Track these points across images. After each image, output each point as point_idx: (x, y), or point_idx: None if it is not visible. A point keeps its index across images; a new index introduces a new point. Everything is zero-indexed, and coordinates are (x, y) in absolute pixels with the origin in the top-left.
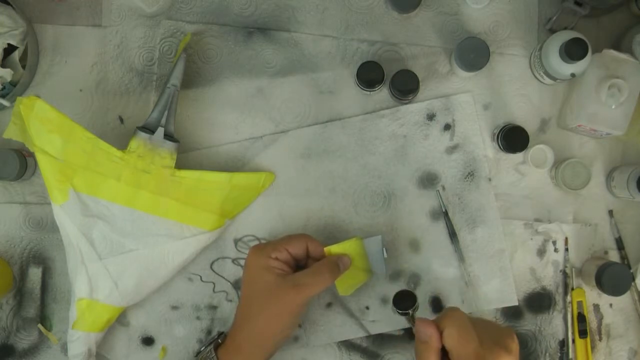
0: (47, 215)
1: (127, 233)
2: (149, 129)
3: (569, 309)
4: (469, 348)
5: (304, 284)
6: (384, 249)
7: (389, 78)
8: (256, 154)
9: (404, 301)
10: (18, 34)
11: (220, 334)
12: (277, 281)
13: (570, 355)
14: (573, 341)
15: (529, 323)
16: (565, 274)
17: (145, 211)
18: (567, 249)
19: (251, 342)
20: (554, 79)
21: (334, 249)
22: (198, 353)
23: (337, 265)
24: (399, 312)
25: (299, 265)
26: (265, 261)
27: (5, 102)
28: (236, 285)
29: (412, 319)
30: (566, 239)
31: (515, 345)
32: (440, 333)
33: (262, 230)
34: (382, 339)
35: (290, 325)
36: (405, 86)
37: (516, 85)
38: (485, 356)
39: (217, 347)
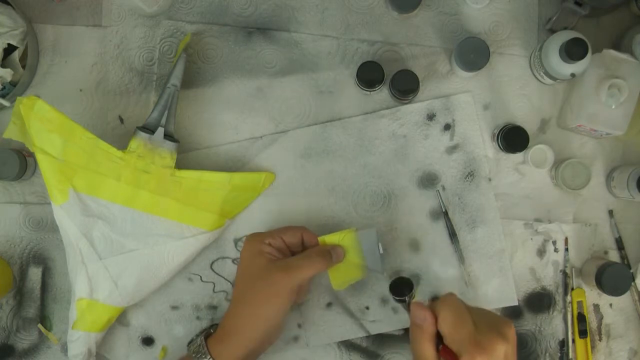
0: (47, 215)
1: (127, 233)
2: (149, 129)
3: (569, 309)
4: (463, 332)
5: (294, 267)
6: (379, 244)
7: (389, 78)
8: (256, 154)
9: (401, 288)
10: (18, 34)
11: (213, 325)
12: (268, 265)
13: (570, 355)
14: (573, 341)
15: (529, 323)
16: (565, 274)
17: (145, 211)
18: (567, 249)
19: (240, 329)
20: (554, 79)
21: (328, 238)
22: (190, 342)
23: (329, 253)
24: (395, 299)
25: (294, 254)
26: (259, 246)
27: (5, 102)
28: None
29: (408, 306)
30: (566, 239)
31: (512, 333)
32: (436, 318)
33: (262, 230)
34: (382, 339)
35: (279, 312)
36: (405, 86)
37: (516, 85)
38: (481, 341)
39: (207, 336)
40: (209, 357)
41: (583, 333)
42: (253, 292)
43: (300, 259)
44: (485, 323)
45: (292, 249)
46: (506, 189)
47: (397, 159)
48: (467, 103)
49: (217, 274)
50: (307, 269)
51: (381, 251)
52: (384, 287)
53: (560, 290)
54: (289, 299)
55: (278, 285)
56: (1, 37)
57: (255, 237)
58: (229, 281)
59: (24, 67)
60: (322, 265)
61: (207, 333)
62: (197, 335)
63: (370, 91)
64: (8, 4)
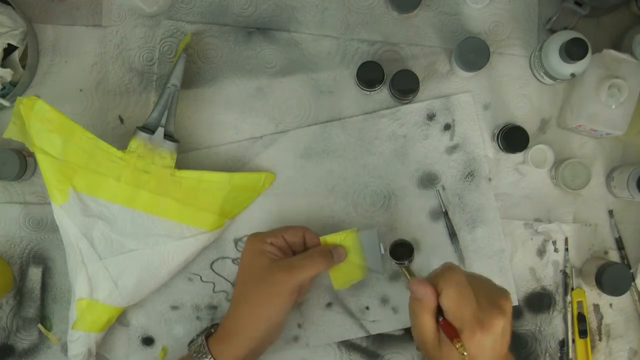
0: (47, 215)
1: (127, 233)
2: (149, 129)
3: (569, 309)
4: (467, 310)
5: (296, 267)
6: (381, 244)
7: (389, 78)
8: (256, 154)
9: (401, 252)
10: (18, 34)
11: (214, 325)
12: (269, 265)
13: (570, 355)
14: (573, 341)
15: (529, 323)
16: (565, 274)
17: (145, 211)
18: (567, 249)
19: (241, 328)
20: (554, 79)
21: (330, 238)
22: (191, 342)
23: (330, 252)
24: (395, 262)
25: (295, 254)
26: (261, 246)
27: (5, 102)
28: None
29: (407, 271)
30: (566, 239)
31: (509, 306)
32: (437, 293)
33: (262, 230)
34: (382, 339)
35: (281, 312)
36: (405, 86)
37: (516, 85)
38: (483, 318)
39: (208, 336)
40: (209, 356)
41: (583, 333)
42: (254, 291)
43: (302, 259)
44: (485, 296)
45: (294, 249)
46: (506, 189)
47: (397, 159)
48: (467, 103)
49: (217, 274)
50: (309, 268)
51: (382, 252)
52: (384, 287)
53: (560, 290)
54: (290, 298)
55: (280, 285)
56: (1, 37)
57: (256, 237)
58: (229, 281)
59: (24, 67)
60: (323, 265)
61: (208, 333)
62: (198, 335)
63: (370, 91)
64: (8, 4)
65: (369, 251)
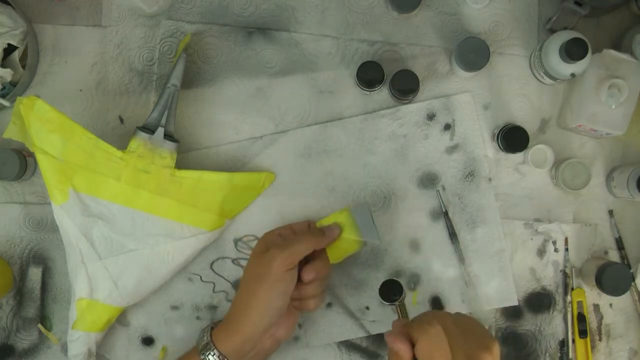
0: (47, 215)
1: (127, 233)
2: (149, 129)
3: (569, 309)
4: None
5: (287, 245)
6: (372, 215)
7: (389, 78)
8: (256, 154)
9: (391, 291)
10: (18, 34)
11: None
12: (267, 248)
13: (570, 355)
14: (573, 341)
15: (529, 323)
16: (565, 274)
17: (145, 211)
18: (567, 249)
19: (238, 314)
20: (554, 79)
21: (325, 221)
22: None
23: (322, 231)
24: (384, 303)
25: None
26: (268, 236)
27: (5, 102)
28: (236, 285)
29: (398, 308)
30: (566, 239)
31: (496, 348)
32: (412, 344)
33: (262, 230)
34: (382, 339)
35: (276, 293)
36: (405, 86)
37: (516, 85)
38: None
39: (213, 330)
40: (213, 348)
41: (583, 333)
42: (251, 275)
43: (293, 239)
44: (473, 338)
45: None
46: (506, 189)
47: (397, 159)
48: (467, 103)
49: (217, 274)
50: (299, 244)
51: (375, 222)
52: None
53: (560, 290)
54: (285, 279)
55: (272, 264)
56: (1, 37)
57: (267, 233)
58: (229, 281)
59: (24, 67)
60: (313, 242)
61: (213, 325)
62: (203, 330)
63: (370, 91)
64: (8, 4)
65: (363, 224)
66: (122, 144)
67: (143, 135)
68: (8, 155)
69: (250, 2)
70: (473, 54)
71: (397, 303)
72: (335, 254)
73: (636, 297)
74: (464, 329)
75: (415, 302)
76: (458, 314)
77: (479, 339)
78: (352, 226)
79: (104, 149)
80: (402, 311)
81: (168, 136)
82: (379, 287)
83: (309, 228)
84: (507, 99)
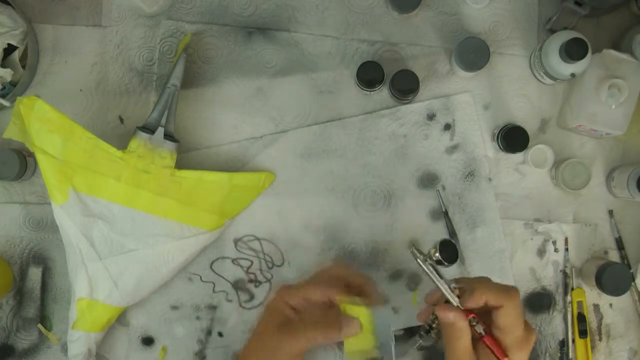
0: (47, 215)
1: (127, 233)
2: (149, 129)
3: (569, 309)
4: (519, 330)
5: (299, 333)
6: (392, 331)
7: (389, 78)
8: (256, 154)
9: (447, 250)
10: (18, 34)
11: None
12: (278, 327)
13: (570, 355)
14: (573, 341)
15: (529, 323)
16: (565, 274)
17: (145, 211)
18: (567, 249)
19: None
20: (554, 79)
21: (349, 308)
22: None
23: (340, 325)
24: (443, 263)
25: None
26: (281, 305)
27: (5, 102)
28: (236, 285)
29: (437, 276)
30: (566, 239)
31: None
32: (487, 307)
33: (262, 230)
34: None
35: None
36: (405, 86)
37: (516, 85)
38: (527, 336)
39: None
40: None
41: (583, 333)
42: (261, 351)
43: (308, 326)
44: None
45: (316, 307)
46: (506, 189)
47: (397, 159)
48: (467, 103)
49: (217, 274)
50: (312, 338)
51: (393, 340)
52: (384, 287)
53: (560, 290)
54: None
55: (282, 349)
56: (1, 37)
57: (281, 294)
58: (228, 281)
59: (24, 67)
60: (328, 337)
61: None
62: None
63: (370, 91)
64: (8, 4)
65: (381, 333)
66: (122, 144)
67: (143, 135)
68: (8, 155)
69: (250, 2)
70: (473, 54)
71: (446, 264)
72: (352, 348)
73: (636, 297)
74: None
75: (415, 302)
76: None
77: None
78: (371, 328)
79: (104, 149)
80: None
81: (168, 136)
82: (438, 245)
83: (328, 299)
84: (507, 99)
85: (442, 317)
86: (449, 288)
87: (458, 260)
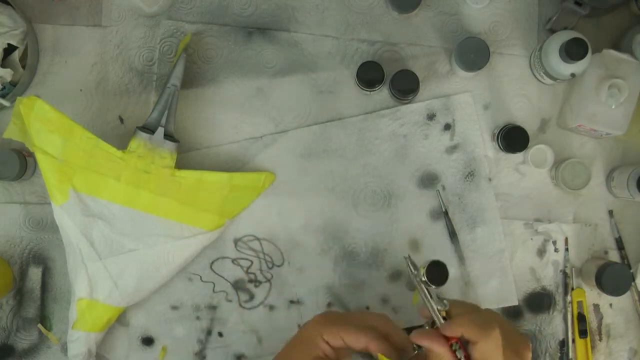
0: (47, 215)
1: (127, 233)
2: (149, 129)
3: (569, 309)
4: None
5: None
6: None
7: (389, 78)
8: (256, 154)
9: (434, 272)
10: (18, 34)
11: None
12: None
13: (570, 355)
14: (573, 341)
15: (529, 323)
16: (565, 274)
17: (145, 211)
18: (567, 249)
19: None
20: (554, 79)
21: None
22: None
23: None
24: (429, 285)
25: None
26: (316, 339)
27: (5, 102)
28: (236, 285)
29: (430, 295)
30: (566, 239)
31: (529, 356)
32: (462, 339)
33: (262, 230)
34: None
35: None
36: (405, 86)
37: (516, 85)
38: None
39: None
40: None
41: (583, 333)
42: None
43: None
44: (509, 346)
45: (352, 351)
46: (506, 189)
47: (397, 159)
48: (467, 103)
49: (217, 274)
50: None
51: None
52: (384, 287)
53: (560, 290)
54: None
55: None
56: (1, 37)
57: (318, 325)
58: (228, 281)
59: (24, 67)
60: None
61: None
62: None
63: (370, 91)
64: (8, 4)
65: None
66: (122, 144)
67: (143, 135)
68: (8, 155)
69: (250, 2)
70: (473, 54)
71: (430, 289)
72: None
73: (636, 297)
74: (504, 327)
75: (415, 302)
76: (490, 311)
77: (515, 337)
78: None
79: (104, 149)
80: (432, 297)
81: (168, 136)
82: (426, 266)
83: (366, 347)
84: (507, 99)
85: (417, 342)
86: (436, 309)
87: (457, 262)
